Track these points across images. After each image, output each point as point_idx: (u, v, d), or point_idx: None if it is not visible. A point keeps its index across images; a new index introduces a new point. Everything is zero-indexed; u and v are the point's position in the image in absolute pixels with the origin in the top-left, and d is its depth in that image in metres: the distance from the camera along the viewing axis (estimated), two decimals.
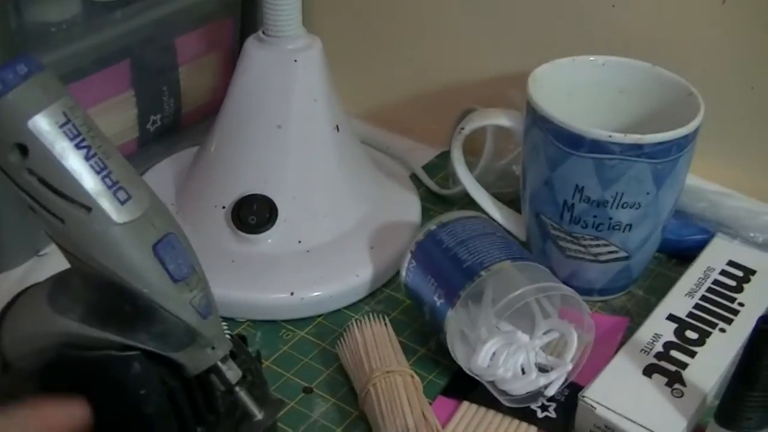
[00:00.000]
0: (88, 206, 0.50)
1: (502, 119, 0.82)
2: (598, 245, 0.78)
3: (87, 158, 0.51)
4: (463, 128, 0.83)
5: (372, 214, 0.87)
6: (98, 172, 0.51)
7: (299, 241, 0.82)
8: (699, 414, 0.69)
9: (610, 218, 0.76)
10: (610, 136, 0.72)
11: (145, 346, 0.53)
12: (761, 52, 0.85)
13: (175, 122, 1.00)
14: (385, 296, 0.83)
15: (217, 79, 1.02)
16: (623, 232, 0.77)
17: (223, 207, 0.82)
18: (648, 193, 0.75)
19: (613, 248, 0.78)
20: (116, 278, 0.52)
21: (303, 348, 0.77)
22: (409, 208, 0.91)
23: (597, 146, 0.72)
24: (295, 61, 0.82)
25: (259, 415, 0.56)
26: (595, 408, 0.67)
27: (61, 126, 0.50)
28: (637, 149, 0.72)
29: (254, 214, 0.81)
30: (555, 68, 0.81)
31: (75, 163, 0.50)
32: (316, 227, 0.83)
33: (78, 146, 0.50)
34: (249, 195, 0.81)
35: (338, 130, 0.85)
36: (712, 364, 0.72)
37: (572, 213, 0.76)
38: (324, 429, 0.69)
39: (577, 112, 0.77)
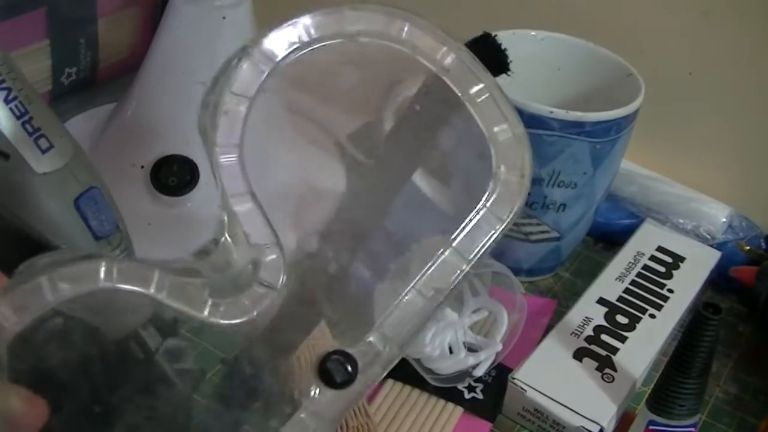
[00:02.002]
0: (5, 153, 0.47)
1: None
2: (530, 224, 0.76)
3: (6, 101, 0.47)
4: (397, 95, 0.80)
5: (296, 182, 0.84)
6: (18, 117, 0.47)
7: (219, 206, 0.78)
8: (628, 399, 0.68)
9: (545, 197, 0.74)
10: (551, 112, 0.70)
11: (59, 308, 0.49)
12: (700, 38, 0.84)
13: (91, 77, 0.96)
14: (307, 267, 0.80)
15: (137, 34, 0.98)
16: (557, 211, 0.75)
17: (142, 167, 0.78)
18: (585, 173, 0.73)
19: (545, 228, 0.77)
20: (33, 232, 0.48)
21: None
22: (333, 177, 0.88)
23: (536, 121, 0.70)
24: (224, 18, 0.79)
25: (179, 385, 0.54)
26: (525, 391, 0.65)
27: None
28: (577, 127, 0.70)
29: (174, 175, 0.77)
30: None
31: None
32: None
33: None
34: (169, 155, 0.77)
35: (265, 91, 0.81)
36: (643, 349, 0.71)
37: None
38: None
39: (514, 86, 0.74)
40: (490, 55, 0.53)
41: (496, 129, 0.48)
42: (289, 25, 0.48)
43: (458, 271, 0.49)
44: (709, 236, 0.85)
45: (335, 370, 0.47)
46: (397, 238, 0.69)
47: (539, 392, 0.65)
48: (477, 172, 0.49)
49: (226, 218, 0.47)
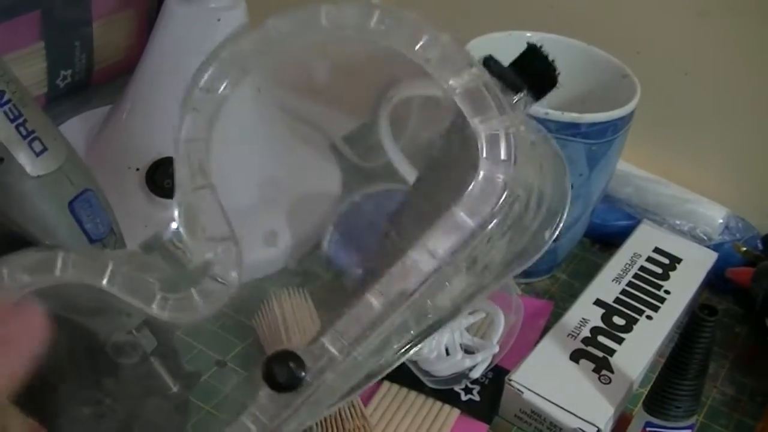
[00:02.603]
0: None
1: (433, 89, 0.79)
2: None
3: (0, 104, 0.47)
4: (391, 97, 0.80)
5: (291, 183, 0.84)
6: (12, 120, 0.47)
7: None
8: (626, 401, 0.68)
9: None
10: (546, 113, 0.70)
11: (54, 310, 0.49)
12: (696, 38, 0.84)
13: (87, 79, 0.96)
14: (303, 269, 0.79)
15: (132, 37, 0.98)
16: None
17: (137, 169, 0.78)
18: (581, 175, 0.73)
19: None
20: (28, 235, 0.48)
21: (216, 319, 0.73)
22: (329, 178, 0.88)
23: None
24: (219, 20, 0.79)
25: (174, 388, 0.53)
26: (522, 392, 0.65)
27: None
28: (573, 128, 0.70)
29: (170, 177, 0.76)
30: (490, 42, 0.79)
31: None
32: (233, 194, 0.79)
33: None
34: (165, 158, 0.77)
35: (260, 92, 0.81)
36: (640, 351, 0.71)
37: None
38: (237, 404, 0.66)
39: None
40: (540, 69, 0.51)
41: (481, 122, 0.45)
42: (261, 28, 0.47)
43: (427, 270, 0.44)
44: (705, 237, 0.85)
45: (280, 373, 0.45)
46: (391, 239, 0.68)
47: (536, 394, 0.65)
48: (465, 169, 0.46)
49: (183, 211, 0.46)
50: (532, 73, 0.48)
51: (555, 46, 0.80)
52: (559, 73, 0.53)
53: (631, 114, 0.74)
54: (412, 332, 0.47)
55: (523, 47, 0.80)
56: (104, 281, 0.44)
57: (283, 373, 0.45)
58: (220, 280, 0.45)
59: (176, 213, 0.47)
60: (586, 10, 0.87)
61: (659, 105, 0.83)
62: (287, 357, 0.45)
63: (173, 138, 0.47)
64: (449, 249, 0.44)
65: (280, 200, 0.82)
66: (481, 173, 0.44)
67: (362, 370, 0.46)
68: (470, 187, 0.44)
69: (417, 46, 0.47)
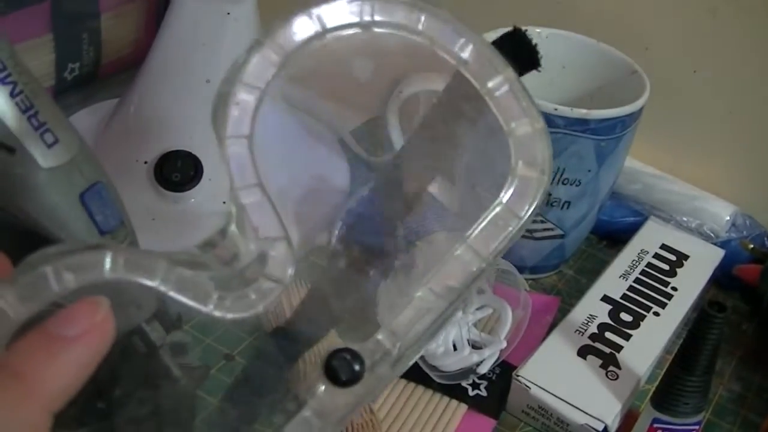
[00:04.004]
0: (11, 147, 0.47)
1: (441, 85, 0.79)
2: (534, 221, 0.76)
3: (12, 95, 0.47)
4: (401, 91, 0.80)
5: (299, 178, 0.84)
6: (24, 111, 0.47)
7: (224, 202, 0.78)
8: (633, 397, 0.68)
9: (549, 194, 0.74)
10: (555, 109, 0.70)
11: (64, 302, 0.49)
12: (706, 35, 0.84)
13: (94, 72, 0.96)
14: (310, 263, 0.79)
15: (140, 30, 0.98)
16: (561, 209, 0.75)
17: (145, 162, 0.78)
18: (589, 171, 0.73)
19: (549, 225, 0.76)
20: (38, 227, 0.48)
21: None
22: (337, 173, 0.88)
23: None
24: (228, 13, 0.79)
25: (182, 380, 0.53)
26: (530, 388, 0.65)
27: None
28: (582, 124, 0.70)
29: (178, 171, 0.77)
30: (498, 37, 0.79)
31: None
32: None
33: (3, 81, 0.47)
34: (173, 151, 0.77)
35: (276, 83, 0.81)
36: (647, 347, 0.71)
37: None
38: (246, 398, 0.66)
39: None
40: (521, 51, 0.52)
41: (514, 124, 0.47)
42: (302, 15, 0.47)
43: (473, 269, 0.46)
44: (712, 234, 0.85)
45: (341, 368, 0.46)
46: (402, 235, 0.68)
47: (543, 390, 0.65)
48: (494, 168, 0.48)
49: (234, 210, 0.46)
50: (515, 53, 0.48)
51: (564, 42, 0.81)
52: (541, 56, 0.54)
53: (640, 110, 0.73)
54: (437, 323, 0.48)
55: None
56: (158, 281, 0.43)
57: (345, 369, 0.45)
58: (274, 279, 0.45)
59: (229, 212, 0.47)
60: (595, 6, 0.87)
61: (668, 102, 0.83)
62: (347, 353, 0.46)
63: (216, 135, 0.46)
64: (493, 250, 0.46)
65: (291, 195, 0.82)
66: (518, 175, 0.46)
67: (407, 363, 0.47)
68: (510, 188, 0.46)
69: (455, 47, 0.47)
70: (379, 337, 0.46)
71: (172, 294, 0.43)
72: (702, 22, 0.83)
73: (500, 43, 0.51)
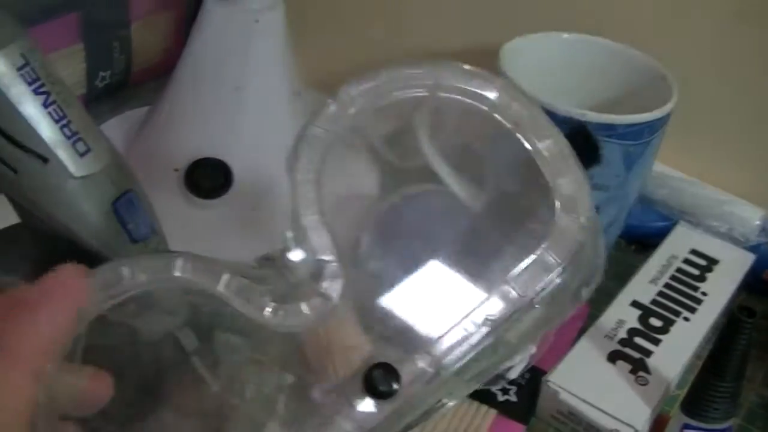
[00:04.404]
0: (44, 157, 0.47)
1: (471, 101, 0.79)
2: None
3: (45, 105, 0.47)
4: (429, 99, 0.80)
5: (328, 183, 0.84)
6: (57, 121, 0.48)
7: (253, 208, 0.79)
8: (662, 402, 0.68)
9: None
10: (584, 115, 0.70)
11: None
12: (733, 39, 0.84)
13: (125, 80, 0.97)
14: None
15: (170, 39, 0.99)
16: None
17: (176, 170, 0.78)
18: (617, 176, 0.73)
19: None
20: (71, 235, 0.49)
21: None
22: (367, 179, 0.88)
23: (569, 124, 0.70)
24: (257, 21, 0.79)
25: (214, 386, 0.54)
26: (559, 393, 0.65)
27: (19, 69, 0.47)
28: (610, 129, 0.70)
29: (208, 178, 0.77)
30: (527, 43, 0.79)
31: (32, 109, 0.47)
32: (272, 194, 0.80)
33: (36, 92, 0.47)
34: (204, 158, 0.78)
35: (299, 95, 0.82)
36: (676, 352, 0.70)
37: (538, 196, 0.74)
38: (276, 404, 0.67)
39: (546, 89, 0.74)
40: (586, 147, 0.55)
41: (560, 180, 0.50)
42: (375, 76, 0.53)
43: (512, 306, 0.49)
44: (742, 239, 0.84)
45: (379, 381, 0.48)
46: (431, 241, 0.69)
47: (573, 395, 0.65)
48: (539, 215, 0.51)
49: (296, 233, 0.50)
50: (581, 151, 0.52)
51: (592, 47, 0.81)
52: (602, 154, 0.56)
53: (668, 115, 0.73)
54: (489, 360, 0.51)
55: (560, 49, 0.80)
56: (221, 287, 0.46)
57: (382, 381, 0.48)
58: (326, 296, 0.48)
59: (290, 235, 0.50)
60: (623, 11, 0.86)
61: (695, 106, 0.83)
62: (385, 368, 0.48)
63: (289, 168, 0.53)
64: (532, 292, 0.49)
65: (320, 201, 0.82)
66: (562, 225, 0.50)
67: (445, 389, 0.50)
68: (552, 237, 0.50)
69: (514, 111, 0.52)
70: (417, 357, 0.49)
71: (232, 300, 0.46)
72: (729, 26, 0.83)
73: (567, 140, 0.54)
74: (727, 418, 0.62)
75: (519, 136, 0.52)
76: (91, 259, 0.48)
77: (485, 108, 0.53)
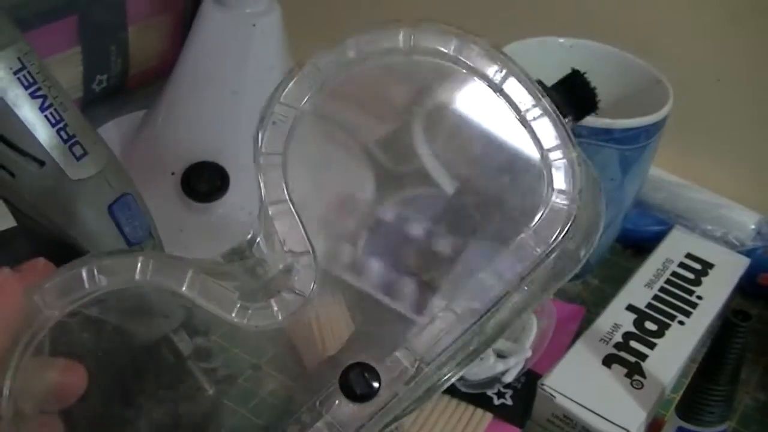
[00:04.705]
0: (41, 160, 0.48)
1: (467, 96, 0.80)
2: None
3: (42, 109, 0.48)
4: (425, 102, 0.80)
5: (324, 189, 0.84)
6: (54, 125, 0.48)
7: (250, 212, 0.79)
8: (658, 406, 0.68)
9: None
10: None
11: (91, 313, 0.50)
12: (729, 44, 0.84)
13: (122, 83, 0.97)
14: (334, 277, 0.80)
15: (167, 42, 0.99)
16: None
17: (173, 173, 0.78)
18: (613, 180, 0.73)
19: None
20: (67, 238, 0.49)
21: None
22: (362, 182, 0.89)
23: None
24: (254, 25, 0.79)
25: (210, 390, 0.54)
26: (555, 397, 0.65)
27: (16, 72, 0.47)
28: (606, 134, 0.71)
29: (205, 182, 0.77)
30: (522, 48, 0.79)
31: (29, 113, 0.47)
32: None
33: (33, 95, 0.47)
34: (200, 162, 0.78)
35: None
36: (672, 356, 0.70)
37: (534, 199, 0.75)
38: (273, 408, 0.67)
39: None
40: (580, 94, 0.52)
41: (548, 151, 0.48)
42: (344, 41, 0.49)
43: (496, 293, 0.47)
44: (737, 243, 0.85)
45: (357, 383, 0.47)
46: (433, 251, 0.69)
47: (568, 398, 0.65)
48: (527, 194, 0.48)
49: (262, 223, 0.48)
50: (575, 96, 0.50)
51: (588, 51, 0.81)
52: (599, 100, 0.54)
53: (664, 120, 0.74)
54: (471, 348, 0.49)
55: (556, 53, 0.80)
56: (184, 287, 0.45)
57: (360, 384, 0.46)
58: (298, 292, 0.46)
59: (257, 224, 0.48)
60: (618, 15, 0.87)
61: (692, 110, 0.83)
62: (363, 368, 0.47)
63: (253, 152, 0.48)
64: (518, 275, 0.47)
65: (316, 205, 0.82)
66: (549, 203, 0.47)
67: (427, 384, 0.48)
68: (539, 215, 0.47)
69: (492, 74, 0.49)
70: (398, 354, 0.47)
71: (196, 300, 0.45)
72: (724, 30, 0.83)
73: (560, 86, 0.51)
74: (722, 422, 0.62)
75: (505, 102, 0.50)
76: None
77: (464, 71, 0.51)
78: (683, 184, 0.88)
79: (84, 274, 0.43)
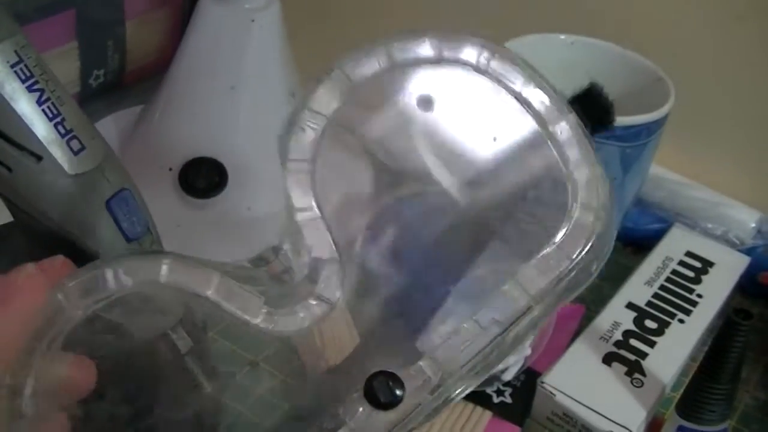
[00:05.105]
0: (38, 155, 0.47)
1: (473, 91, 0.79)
2: None
3: (39, 102, 0.47)
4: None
5: (324, 184, 0.84)
6: (51, 119, 0.47)
7: (248, 208, 0.78)
8: (658, 404, 0.67)
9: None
10: None
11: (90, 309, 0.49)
12: (730, 42, 0.84)
13: (119, 79, 0.96)
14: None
15: (164, 38, 0.98)
16: None
17: (170, 169, 0.78)
18: (614, 178, 0.73)
19: None
20: (65, 234, 0.48)
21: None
22: (361, 180, 0.88)
23: None
24: (252, 20, 0.79)
25: (208, 387, 0.53)
26: (555, 395, 0.65)
27: (13, 66, 0.47)
28: (607, 131, 0.70)
29: (203, 177, 0.77)
30: (523, 44, 0.79)
31: (26, 107, 0.47)
32: (266, 194, 0.80)
33: (30, 89, 0.47)
34: (198, 158, 0.78)
35: (294, 96, 0.81)
36: (672, 354, 0.70)
37: (537, 196, 0.74)
38: (271, 405, 0.66)
39: None
40: (598, 107, 0.52)
41: (574, 166, 0.48)
42: (369, 50, 0.48)
43: (521, 306, 0.46)
44: (738, 241, 0.84)
45: (381, 391, 0.46)
46: (427, 242, 0.68)
47: (568, 396, 0.65)
48: (551, 208, 0.48)
49: (289, 229, 0.47)
50: (593, 110, 0.49)
51: (589, 48, 0.81)
52: (614, 119, 0.54)
53: (665, 117, 0.73)
54: (489, 360, 0.48)
55: (557, 50, 0.80)
56: (210, 291, 0.44)
57: (385, 392, 0.46)
58: (324, 299, 0.46)
59: (284, 230, 0.48)
60: (620, 13, 0.86)
61: (693, 108, 0.83)
62: (387, 377, 0.46)
63: (280, 158, 0.48)
64: (542, 290, 0.46)
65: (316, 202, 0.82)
66: (574, 218, 0.47)
67: (447, 394, 0.48)
68: (563, 230, 0.47)
69: (519, 86, 0.49)
70: (422, 364, 0.47)
71: (222, 305, 0.44)
72: (728, 29, 0.83)
73: (578, 99, 0.51)
74: (722, 420, 0.62)
75: (531, 115, 0.49)
76: (84, 257, 0.48)
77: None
78: (684, 182, 0.88)
79: (109, 275, 0.43)
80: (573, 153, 0.48)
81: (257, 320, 0.45)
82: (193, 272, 0.44)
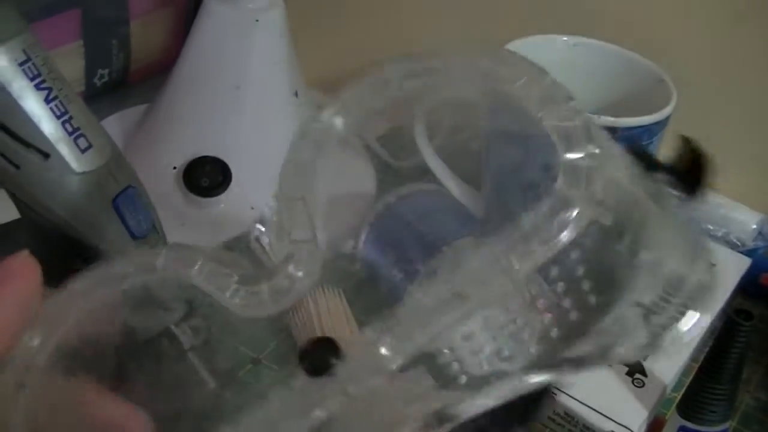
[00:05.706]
0: (46, 152, 0.48)
1: (466, 93, 0.79)
2: None
3: (47, 101, 0.48)
4: (426, 99, 0.80)
5: (326, 184, 0.84)
6: (58, 117, 0.48)
7: (252, 207, 0.79)
8: (659, 405, 0.68)
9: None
10: None
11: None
12: (732, 43, 0.84)
13: (123, 78, 0.97)
14: (338, 268, 0.80)
15: (169, 37, 0.99)
16: None
17: (174, 168, 0.78)
18: None
19: None
20: (71, 231, 0.49)
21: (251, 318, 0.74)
22: (364, 179, 0.89)
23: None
24: (257, 21, 0.79)
25: (212, 384, 0.54)
26: (556, 394, 0.65)
27: (21, 64, 0.47)
28: (609, 132, 0.70)
29: (207, 176, 0.77)
30: (525, 45, 0.79)
31: (34, 105, 0.47)
32: (270, 194, 0.80)
33: (38, 87, 0.47)
34: (202, 156, 0.78)
35: (297, 95, 0.82)
36: (673, 355, 0.70)
37: (537, 194, 0.74)
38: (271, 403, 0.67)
39: None
40: (695, 173, 0.51)
41: (567, 152, 0.46)
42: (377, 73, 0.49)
43: (500, 282, 0.46)
44: (739, 243, 0.84)
45: (311, 357, 0.46)
46: (427, 240, 0.69)
47: (570, 396, 0.65)
48: (536, 187, 0.47)
49: (275, 217, 0.48)
50: (688, 173, 0.48)
51: (591, 49, 0.81)
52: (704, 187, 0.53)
53: (667, 119, 0.73)
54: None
55: (559, 51, 0.80)
56: (194, 273, 0.45)
57: (316, 358, 0.45)
58: (291, 277, 0.46)
59: (269, 218, 0.48)
60: (622, 14, 0.87)
61: (694, 110, 0.83)
62: (323, 343, 0.45)
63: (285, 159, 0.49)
64: (520, 268, 0.43)
65: (318, 201, 0.82)
66: (555, 200, 0.45)
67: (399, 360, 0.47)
68: (544, 210, 0.44)
69: (518, 83, 0.47)
70: (366, 330, 0.46)
71: (200, 284, 0.45)
72: (729, 30, 0.83)
73: (680, 158, 0.50)
74: (723, 421, 0.62)
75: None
76: (90, 255, 0.49)
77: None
78: None
79: (118, 268, 0.44)
80: (570, 143, 0.46)
81: (226, 295, 0.45)
82: (180, 258, 0.45)
